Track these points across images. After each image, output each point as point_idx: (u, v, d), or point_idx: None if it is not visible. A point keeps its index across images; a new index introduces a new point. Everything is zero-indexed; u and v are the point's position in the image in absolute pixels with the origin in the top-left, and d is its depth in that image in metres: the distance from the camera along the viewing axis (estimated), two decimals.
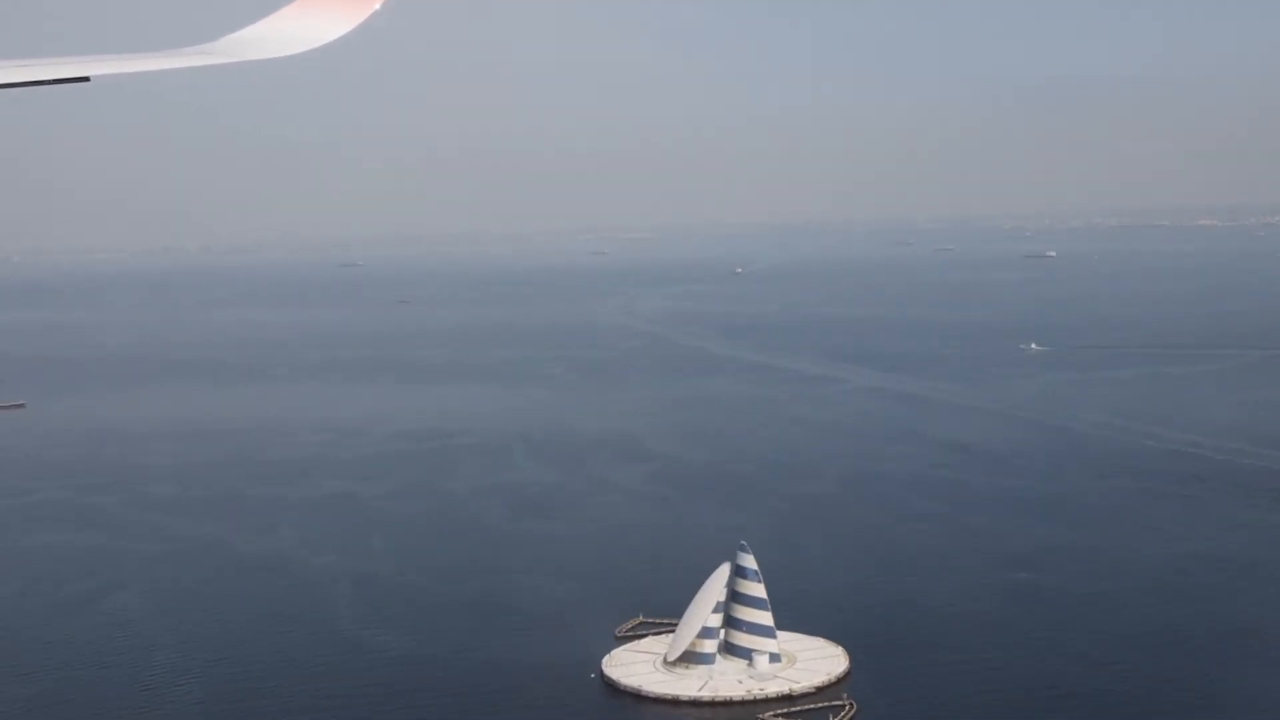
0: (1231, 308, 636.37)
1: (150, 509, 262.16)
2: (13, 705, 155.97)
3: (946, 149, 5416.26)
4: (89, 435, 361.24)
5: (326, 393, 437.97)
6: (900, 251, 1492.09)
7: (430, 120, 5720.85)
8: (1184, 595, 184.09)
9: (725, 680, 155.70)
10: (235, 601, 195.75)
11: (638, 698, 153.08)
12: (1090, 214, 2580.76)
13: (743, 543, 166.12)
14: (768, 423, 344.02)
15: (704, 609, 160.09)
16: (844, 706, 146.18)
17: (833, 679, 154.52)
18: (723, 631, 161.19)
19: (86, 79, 37.22)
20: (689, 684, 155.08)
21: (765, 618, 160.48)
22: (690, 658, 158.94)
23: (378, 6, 44.36)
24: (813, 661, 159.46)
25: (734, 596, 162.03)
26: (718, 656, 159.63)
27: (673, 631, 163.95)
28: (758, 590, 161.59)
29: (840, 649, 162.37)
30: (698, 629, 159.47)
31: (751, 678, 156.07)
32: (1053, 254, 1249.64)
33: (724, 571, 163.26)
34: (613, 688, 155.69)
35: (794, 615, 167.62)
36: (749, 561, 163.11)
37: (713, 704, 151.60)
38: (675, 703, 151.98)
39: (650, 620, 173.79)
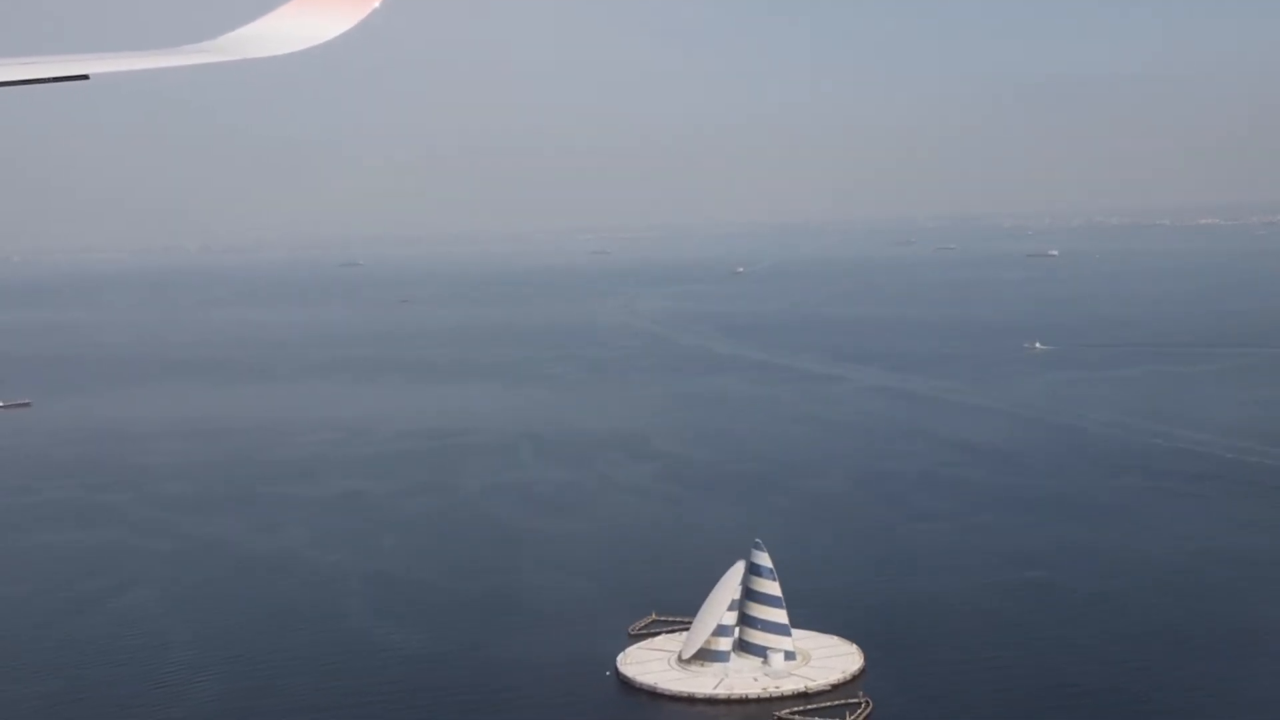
0: (1233, 307, 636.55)
1: (159, 507, 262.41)
2: (28, 703, 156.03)
3: (947, 147, 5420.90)
4: (94, 434, 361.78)
5: (329, 392, 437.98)
6: (901, 250, 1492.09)
7: (430, 118, 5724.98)
8: (1194, 593, 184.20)
9: (741, 678, 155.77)
10: (247, 600, 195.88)
11: (653, 695, 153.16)
12: (1091, 212, 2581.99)
13: (758, 540, 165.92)
14: (772, 421, 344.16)
15: (719, 607, 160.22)
16: (860, 704, 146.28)
17: (848, 677, 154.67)
18: (738, 629, 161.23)
19: (85, 77, 36.93)
20: (705, 681, 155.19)
21: (780, 615, 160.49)
22: (705, 655, 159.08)
23: (377, 4, 44.11)
24: (828, 659, 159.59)
25: (749, 594, 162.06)
26: (733, 654, 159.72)
27: (685, 629, 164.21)
28: (773, 588, 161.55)
29: (854, 647, 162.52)
30: (713, 626, 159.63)
31: (767, 675, 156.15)
32: (1055, 253, 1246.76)
33: (738, 569, 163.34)
34: (628, 685, 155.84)
35: (808, 613, 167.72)
36: (764, 559, 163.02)
37: (728, 701, 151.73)
38: (691, 700, 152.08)
39: (663, 618, 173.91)
